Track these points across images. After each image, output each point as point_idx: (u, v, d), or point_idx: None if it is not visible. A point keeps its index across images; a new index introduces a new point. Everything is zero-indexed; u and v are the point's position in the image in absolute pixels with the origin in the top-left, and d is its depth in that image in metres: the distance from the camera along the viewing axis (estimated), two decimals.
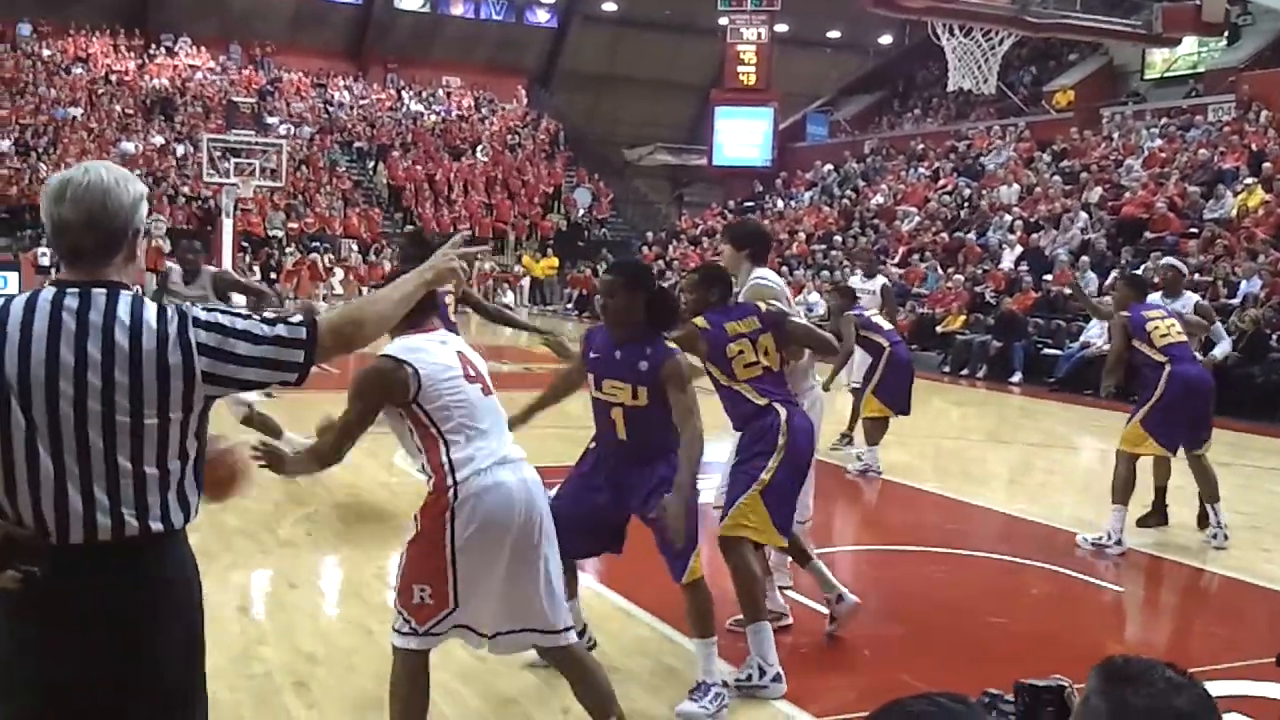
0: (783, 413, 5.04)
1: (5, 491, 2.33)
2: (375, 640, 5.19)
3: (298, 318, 2.52)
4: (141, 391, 2.33)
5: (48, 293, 2.37)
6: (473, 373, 3.83)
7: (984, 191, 25.46)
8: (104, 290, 2.37)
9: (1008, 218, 23.00)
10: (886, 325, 10.18)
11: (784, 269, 25.80)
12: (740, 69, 35.63)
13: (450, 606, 3.67)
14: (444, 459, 3.71)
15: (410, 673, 3.77)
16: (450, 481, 3.67)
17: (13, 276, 26.95)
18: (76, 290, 2.36)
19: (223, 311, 2.47)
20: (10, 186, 29.85)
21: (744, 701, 4.67)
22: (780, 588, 5.78)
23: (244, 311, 2.52)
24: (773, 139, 35.54)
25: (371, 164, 36.42)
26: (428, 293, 3.14)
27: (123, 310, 2.35)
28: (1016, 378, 17.51)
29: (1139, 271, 15.80)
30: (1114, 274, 18.50)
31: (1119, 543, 7.22)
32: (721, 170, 36.60)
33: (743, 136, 35.70)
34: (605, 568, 6.17)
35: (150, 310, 2.38)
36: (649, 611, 5.69)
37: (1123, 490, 7.32)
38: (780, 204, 32.82)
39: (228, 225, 27.60)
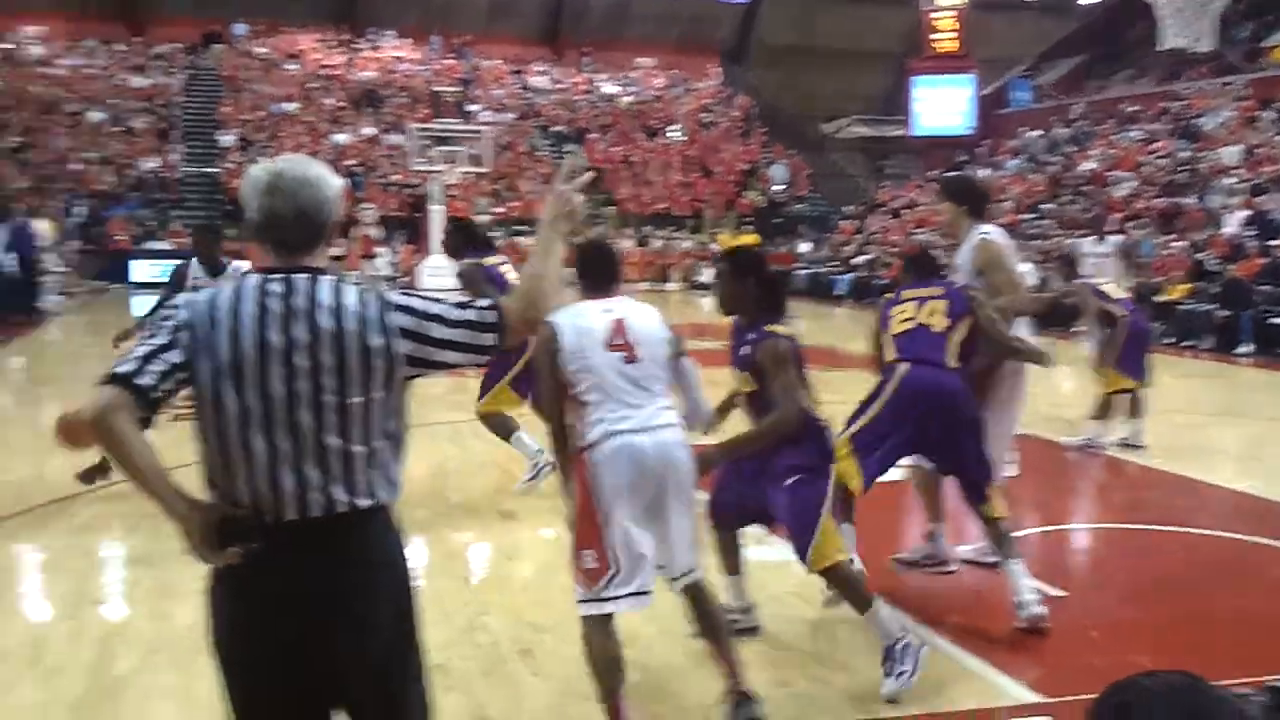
0: (901, 368, 5.14)
1: (221, 472, 2.45)
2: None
3: (484, 301, 2.62)
4: (346, 372, 2.43)
5: (253, 280, 2.49)
6: (619, 341, 3.94)
7: (1202, 154, 24.19)
8: (306, 275, 2.49)
9: (1228, 180, 21.79)
10: (1118, 293, 9.79)
11: None
12: (938, 36, 34.77)
13: (611, 569, 3.80)
14: (583, 421, 3.86)
15: (596, 638, 3.90)
16: (587, 444, 3.82)
17: (245, 266, 28.42)
18: (281, 276, 2.49)
19: (414, 295, 2.58)
20: (234, 180, 31.47)
21: (971, 680, 4.59)
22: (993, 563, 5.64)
23: (432, 294, 2.62)
24: (974, 106, 34.58)
25: (570, 147, 36.96)
26: (595, 261, 3.85)
27: (325, 294, 2.47)
28: (1245, 349, 16.59)
29: None
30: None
31: None
32: (921, 140, 35.83)
33: (943, 105, 34.85)
34: None
35: (351, 294, 2.49)
36: None
37: None
38: (985, 173, 31.91)
39: (436, 211, 28.44)
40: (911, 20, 36.20)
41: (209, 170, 32.55)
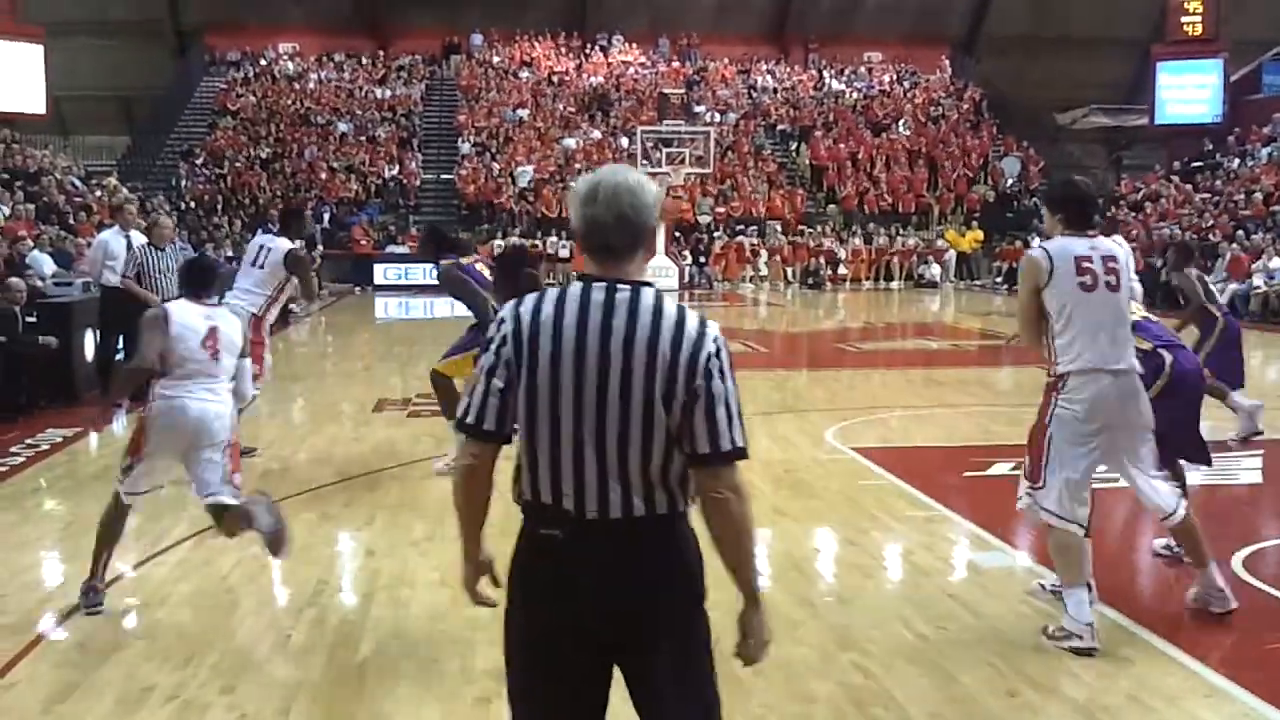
0: None
1: (529, 466, 2.62)
2: (818, 613, 5.31)
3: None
4: (654, 388, 2.52)
5: (576, 288, 2.61)
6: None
7: None
8: (629, 287, 2.59)
9: None
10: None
11: (1239, 232, 23.77)
12: (1185, 19, 33.12)
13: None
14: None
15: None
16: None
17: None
18: (604, 285, 2.59)
19: (730, 361, 2.60)
20: (469, 185, 32.65)
21: (1217, 701, 4.41)
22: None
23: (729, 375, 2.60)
24: (1223, 92, 32.74)
25: (795, 145, 36.81)
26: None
27: (645, 308, 2.57)
28: None
29: None
30: None
31: None
32: (1165, 129, 34.19)
33: (1188, 92, 33.18)
34: None
35: (693, 320, 2.58)
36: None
37: None
38: (1235, 162, 30.18)
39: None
40: (1156, 2, 34.54)
41: (446, 176, 33.90)
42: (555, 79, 38.76)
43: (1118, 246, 5.02)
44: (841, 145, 36.06)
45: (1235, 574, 5.86)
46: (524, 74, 38.97)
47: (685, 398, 2.52)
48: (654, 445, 2.54)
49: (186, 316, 5.45)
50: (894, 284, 31.27)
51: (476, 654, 4.75)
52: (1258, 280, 21.05)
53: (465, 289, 8.13)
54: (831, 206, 33.98)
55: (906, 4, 41.39)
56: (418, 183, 33.60)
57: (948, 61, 42.14)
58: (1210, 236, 24.50)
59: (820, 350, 18.13)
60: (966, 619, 5.24)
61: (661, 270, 29.01)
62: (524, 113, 36.52)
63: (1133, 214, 29.42)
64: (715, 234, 31.82)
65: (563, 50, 40.52)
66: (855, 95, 39.66)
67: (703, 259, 31.12)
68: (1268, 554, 6.32)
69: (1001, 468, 8.17)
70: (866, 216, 33.46)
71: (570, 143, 34.88)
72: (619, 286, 2.59)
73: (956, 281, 31.90)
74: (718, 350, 2.56)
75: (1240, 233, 23.75)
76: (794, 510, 7.20)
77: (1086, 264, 4.82)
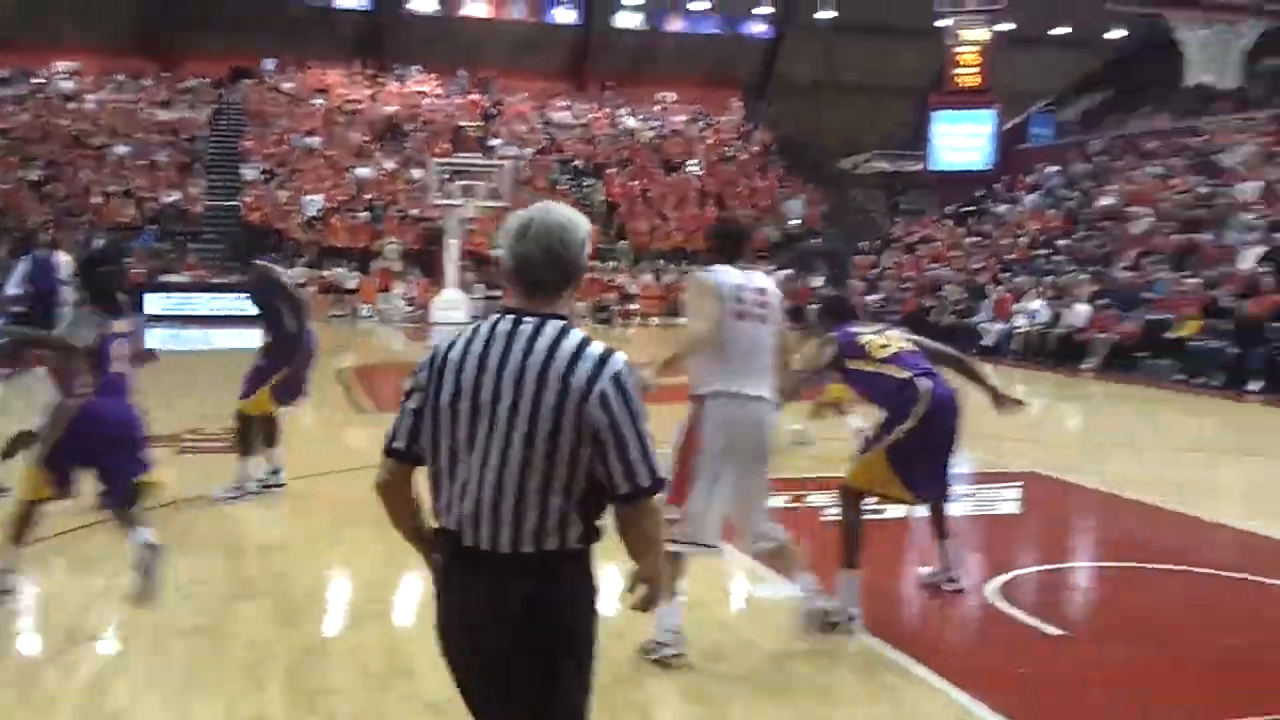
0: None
1: (432, 491, 2.70)
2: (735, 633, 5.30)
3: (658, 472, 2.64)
4: (541, 420, 2.55)
5: (492, 320, 2.68)
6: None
7: (1221, 189, 24.14)
8: (535, 319, 2.65)
9: (1248, 216, 21.74)
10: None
11: (1005, 274, 25.09)
12: (960, 71, 34.89)
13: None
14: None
15: None
16: None
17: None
18: (513, 318, 2.66)
19: (634, 394, 2.63)
20: (253, 213, 31.76)
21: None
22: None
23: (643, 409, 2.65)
24: (995, 141, 34.62)
25: (589, 181, 37.18)
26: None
27: (544, 340, 2.61)
28: (1256, 386, 16.51)
29: None
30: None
31: None
32: (939, 175, 35.86)
33: (963, 140, 34.93)
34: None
35: (592, 353, 2.60)
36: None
37: None
38: (1002, 208, 31.92)
39: (454, 245, 28.63)
40: (934, 55, 36.30)
41: (229, 203, 32.86)
42: (348, 107, 38.14)
43: (769, 282, 5.25)
44: (635, 183, 36.61)
45: (991, 602, 6.15)
46: (316, 101, 38.19)
47: (578, 432, 2.55)
48: (543, 477, 2.56)
49: None
50: (681, 320, 31.76)
51: (240, 701, 4.58)
52: (1020, 320, 22.24)
53: (280, 294, 8.01)
54: (623, 242, 34.38)
55: (701, 47, 42.45)
56: (199, 209, 32.46)
57: (739, 104, 43.33)
58: (977, 278, 25.80)
59: None
60: (739, 650, 5.33)
61: (453, 304, 28.82)
62: (315, 140, 35.80)
63: (907, 255, 30.72)
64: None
65: (357, 79, 39.93)
66: (650, 134, 40.35)
67: (496, 293, 31.03)
68: (1022, 582, 6.65)
69: (777, 500, 8.35)
70: (657, 253, 33.99)
71: (363, 172, 34.36)
72: (525, 319, 2.64)
73: None
74: (617, 382, 2.58)
75: (1006, 275, 25.09)
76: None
77: (740, 294, 5.03)
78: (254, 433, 8.30)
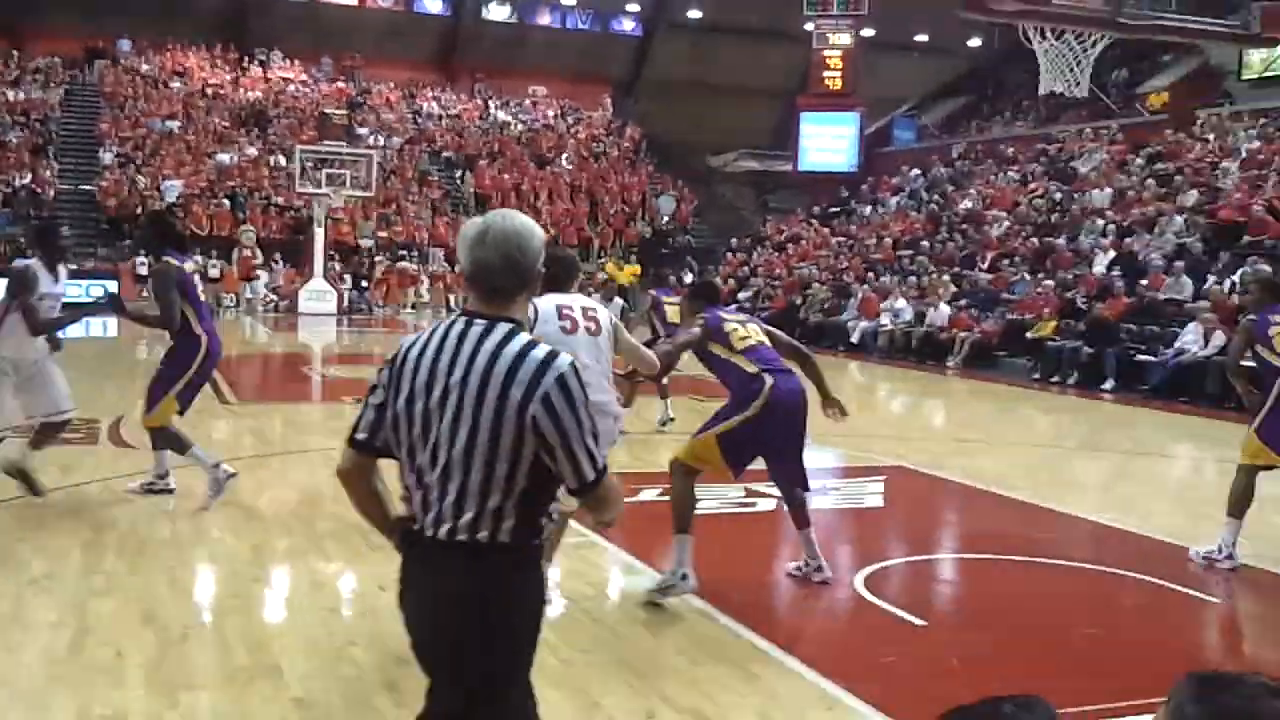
0: None
1: (400, 480, 2.81)
2: (607, 626, 5.26)
3: (600, 468, 2.73)
4: (483, 417, 2.65)
5: (460, 322, 2.77)
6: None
7: (1075, 195, 25.05)
8: (485, 322, 2.75)
9: (1100, 222, 22.59)
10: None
11: (870, 274, 25.61)
12: (826, 74, 35.45)
13: None
14: None
15: None
16: None
17: (113, 285, 27.70)
18: (465, 319, 2.77)
19: (578, 392, 2.69)
20: (110, 198, 30.70)
21: (832, 708, 4.66)
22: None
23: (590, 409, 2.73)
24: (859, 144, 35.31)
25: (459, 173, 36.85)
26: None
27: (491, 341, 2.70)
28: (1109, 385, 17.18)
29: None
30: (1211, 279, 18.14)
31: (1230, 556, 6.99)
32: (807, 176, 36.42)
33: (828, 142, 35.52)
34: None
35: (536, 356, 2.67)
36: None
37: (1238, 503, 7.06)
38: (867, 209, 32.59)
39: (319, 235, 28.12)
40: (801, 57, 36.86)
41: (85, 187, 31.71)
42: (210, 91, 37.11)
43: (595, 302, 5.98)
44: (506, 175, 36.39)
45: (858, 592, 6.27)
46: (175, 84, 37.08)
47: (519, 431, 2.63)
48: (484, 471, 2.65)
49: None
50: None
51: (95, 699, 4.42)
52: (885, 319, 22.75)
53: (188, 294, 7.69)
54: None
55: (571, 42, 42.42)
56: (52, 193, 31.22)
57: (609, 100, 43.42)
58: (844, 277, 26.30)
59: None
60: (611, 642, 5.34)
61: (320, 294, 28.32)
62: (174, 124, 34.74)
63: (777, 253, 31.15)
64: (377, 259, 31.34)
65: (218, 62, 38.89)
66: (520, 127, 40.17)
67: (364, 283, 30.58)
68: (887, 573, 6.79)
69: (649, 494, 8.41)
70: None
71: (224, 158, 33.47)
72: (476, 320, 2.75)
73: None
74: (560, 383, 2.65)
75: (871, 275, 25.62)
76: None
77: (567, 311, 5.56)
78: (172, 434, 7.86)
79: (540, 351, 2.67)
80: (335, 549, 6.80)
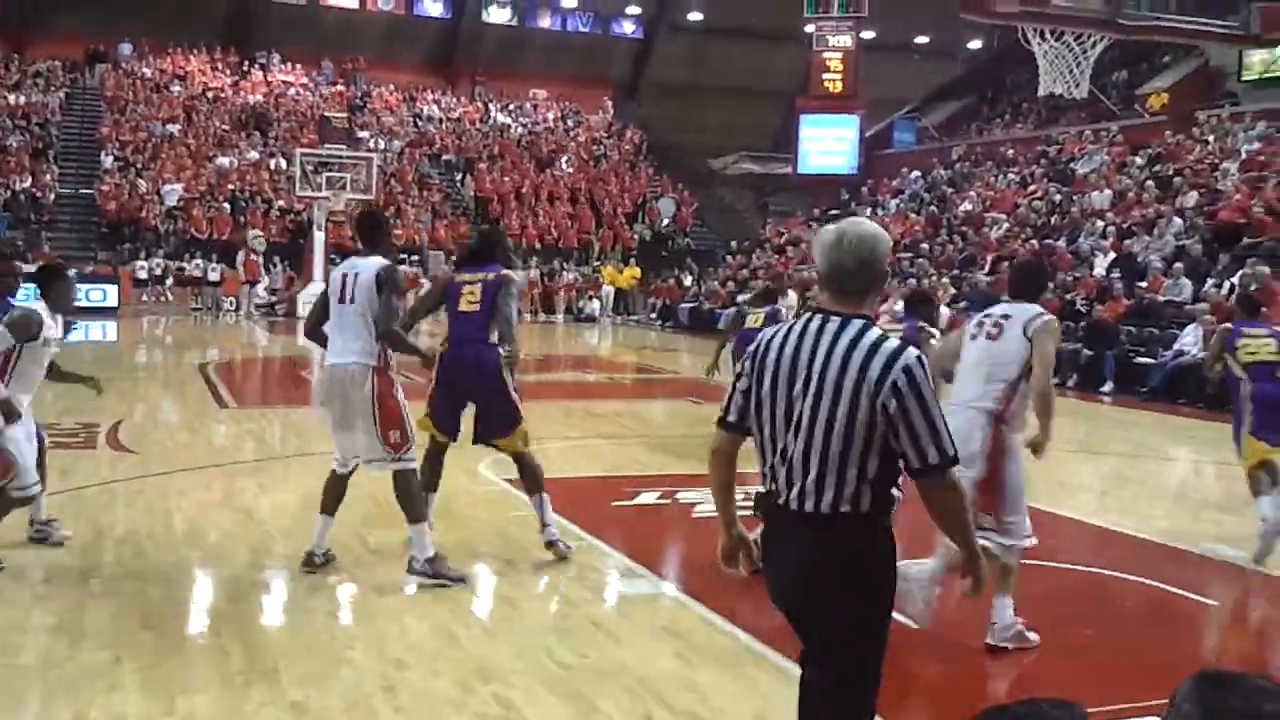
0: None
1: (758, 460, 3.18)
2: (460, 645, 5.27)
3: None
4: (840, 403, 2.99)
5: (816, 319, 3.10)
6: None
7: (1075, 197, 25.04)
8: (839, 318, 3.08)
9: (1099, 224, 22.58)
10: None
11: None
12: (826, 76, 35.42)
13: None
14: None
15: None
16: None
17: (112, 289, 27.74)
18: (821, 316, 3.10)
19: (924, 383, 3.00)
20: (110, 202, 30.71)
21: None
22: None
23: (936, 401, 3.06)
24: (859, 146, 35.29)
25: (459, 176, 36.85)
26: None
27: (846, 336, 3.03)
28: (1108, 387, 17.17)
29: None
30: (1210, 281, 18.13)
31: None
32: (807, 178, 36.37)
33: (829, 144, 35.48)
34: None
35: (887, 348, 3.00)
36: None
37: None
38: (867, 211, 32.57)
39: (319, 238, 28.14)
40: (802, 60, 36.84)
41: (85, 191, 31.74)
42: (210, 95, 37.15)
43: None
44: (506, 178, 36.40)
45: None
46: (176, 88, 37.12)
47: (872, 415, 2.97)
48: (852, 454, 2.99)
49: None
50: (555, 317, 31.76)
51: (93, 704, 4.43)
52: (885, 320, 22.72)
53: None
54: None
55: (572, 44, 42.46)
56: (52, 196, 31.24)
57: (610, 103, 43.43)
58: None
59: None
60: (609, 646, 5.34)
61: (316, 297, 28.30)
62: (174, 128, 34.77)
63: (776, 256, 31.16)
64: None
65: (219, 66, 38.93)
66: (520, 130, 40.19)
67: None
68: None
69: (649, 497, 8.42)
70: (529, 250, 33.87)
71: (225, 161, 33.49)
72: (831, 317, 3.08)
73: (614, 316, 32.76)
74: (908, 373, 2.96)
75: None
76: (444, 543, 7.10)
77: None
78: None
79: (891, 345, 3.01)
80: (334, 553, 6.79)
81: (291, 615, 5.86)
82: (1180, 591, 6.62)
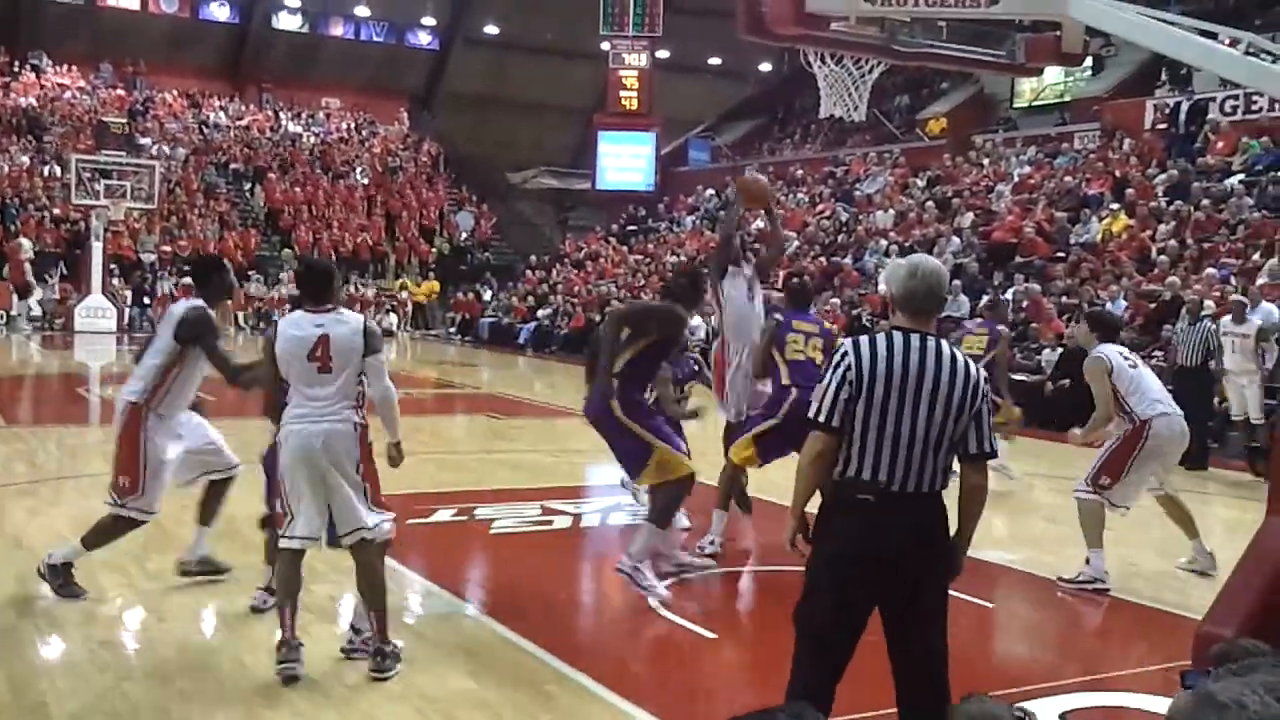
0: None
1: (859, 452, 3.69)
2: (247, 673, 5.09)
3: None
4: (943, 407, 3.70)
5: (897, 336, 3.74)
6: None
7: (861, 216, 25.96)
8: (929, 338, 3.76)
9: (883, 242, 23.47)
10: None
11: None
12: (623, 94, 35.82)
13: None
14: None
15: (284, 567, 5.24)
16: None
17: None
18: (917, 335, 3.75)
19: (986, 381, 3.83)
20: None
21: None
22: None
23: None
24: (655, 163, 35.79)
25: (249, 186, 35.75)
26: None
27: (942, 354, 3.73)
28: None
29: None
30: (986, 297, 19.02)
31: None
32: (605, 194, 36.68)
33: (626, 161, 35.89)
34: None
35: (968, 361, 3.79)
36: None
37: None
38: (663, 227, 33.04)
39: (97, 248, 26.92)
40: (599, 77, 37.17)
41: None
42: None
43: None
44: (298, 189, 35.50)
45: (652, 608, 6.30)
46: None
47: (962, 415, 3.72)
48: (943, 444, 3.71)
49: None
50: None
51: None
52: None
53: None
54: (286, 250, 33.26)
55: (366, 54, 41.78)
56: None
57: (406, 114, 42.90)
58: (643, 295, 26.56)
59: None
60: (403, 670, 5.22)
61: (99, 310, 27.06)
62: None
63: (575, 271, 31.29)
64: (160, 274, 30.05)
65: None
66: (313, 140, 39.27)
67: (146, 300, 29.27)
68: (688, 588, 6.85)
69: (444, 514, 8.31)
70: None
71: None
72: (927, 337, 3.75)
73: (412, 331, 32.32)
74: (981, 383, 3.75)
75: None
76: (238, 567, 6.84)
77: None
78: None
79: (964, 360, 3.76)
80: (109, 579, 6.47)
81: (61, 646, 5.54)
82: (959, 595, 6.86)
